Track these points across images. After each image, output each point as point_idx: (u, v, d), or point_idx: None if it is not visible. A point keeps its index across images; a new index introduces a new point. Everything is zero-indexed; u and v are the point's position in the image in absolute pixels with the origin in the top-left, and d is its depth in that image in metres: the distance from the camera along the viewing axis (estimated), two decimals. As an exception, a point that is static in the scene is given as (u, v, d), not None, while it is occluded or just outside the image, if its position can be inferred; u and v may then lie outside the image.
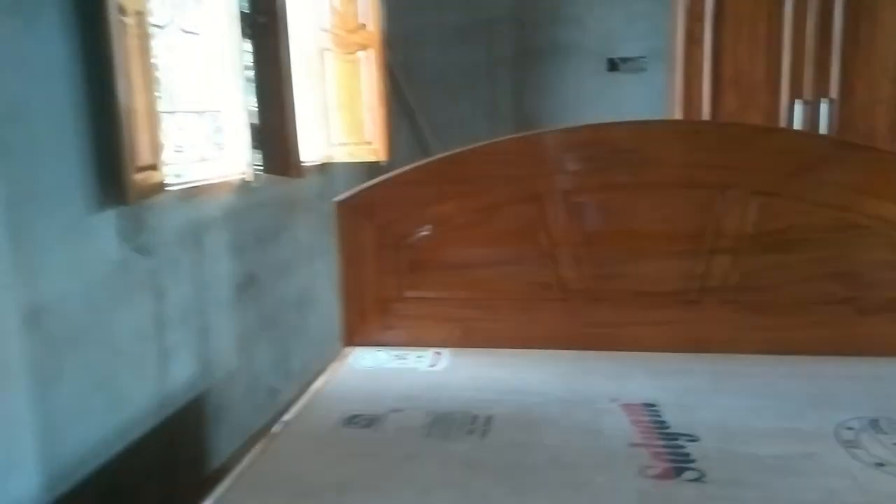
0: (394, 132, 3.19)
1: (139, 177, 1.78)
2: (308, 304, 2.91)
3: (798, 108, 2.86)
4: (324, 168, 3.08)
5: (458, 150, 1.92)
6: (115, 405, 1.75)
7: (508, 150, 1.92)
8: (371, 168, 3.04)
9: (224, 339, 2.28)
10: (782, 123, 2.89)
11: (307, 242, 2.91)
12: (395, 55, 3.37)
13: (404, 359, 1.90)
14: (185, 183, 2.13)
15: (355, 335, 2.02)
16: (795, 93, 2.87)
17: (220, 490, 1.27)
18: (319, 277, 2.97)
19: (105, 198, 1.70)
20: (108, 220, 1.73)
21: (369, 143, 3.05)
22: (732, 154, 1.80)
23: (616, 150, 1.84)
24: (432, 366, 1.85)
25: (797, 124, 2.86)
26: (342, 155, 3.08)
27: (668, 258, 1.86)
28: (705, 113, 2.95)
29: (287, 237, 2.76)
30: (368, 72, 3.04)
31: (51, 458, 1.51)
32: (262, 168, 2.54)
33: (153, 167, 1.86)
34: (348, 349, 1.98)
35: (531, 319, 1.94)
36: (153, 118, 1.87)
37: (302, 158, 2.75)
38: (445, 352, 1.92)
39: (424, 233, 1.96)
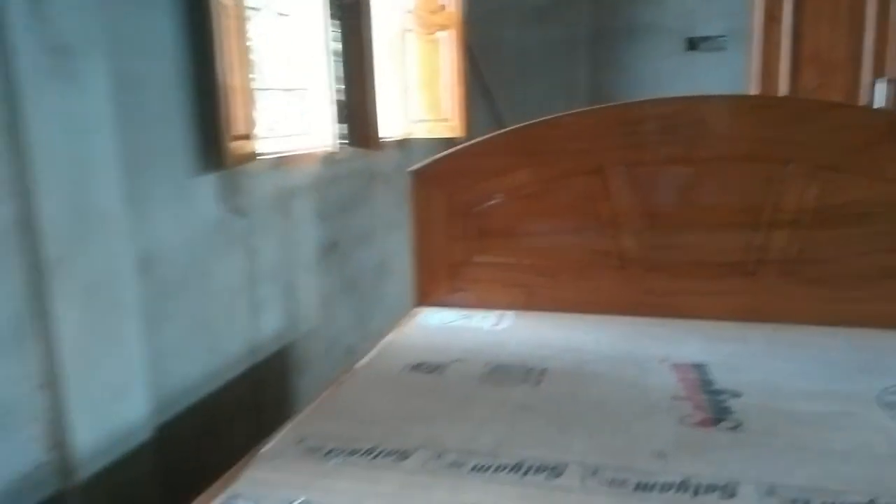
0: (471, 110, 3.31)
1: (235, 145, 1.98)
2: (385, 272, 3.09)
3: (879, 87, 2.81)
4: (403, 144, 3.23)
5: (526, 124, 2.03)
6: (212, 348, 1.96)
7: (574, 123, 2.01)
8: (448, 144, 3.17)
9: (308, 298, 2.48)
10: (863, 102, 2.84)
11: (386, 214, 3.08)
12: (474, 35, 3.48)
13: (469, 318, 2.04)
14: (276, 153, 2.33)
15: (425, 296, 2.17)
16: (878, 71, 2.82)
17: (297, 418, 1.45)
18: (396, 248, 3.13)
19: (205, 163, 1.90)
20: (207, 183, 1.93)
21: (447, 119, 3.18)
22: (796, 129, 1.83)
23: (679, 124, 1.91)
24: (495, 325, 1.98)
25: (878, 103, 2.81)
26: (421, 131, 3.23)
27: (727, 230, 1.92)
28: (782, 91, 2.93)
29: (367, 208, 2.94)
30: (448, 51, 3.17)
31: (157, 389, 1.73)
32: (346, 142, 2.72)
33: (247, 137, 2.06)
34: (418, 309, 2.14)
35: (591, 286, 2.04)
36: (247, 93, 2.06)
37: (382, 134, 2.93)
38: (509, 314, 2.05)
39: (494, 202, 2.08)
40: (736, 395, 1.46)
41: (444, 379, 1.62)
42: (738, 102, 1.87)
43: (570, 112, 2.02)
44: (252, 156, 2.09)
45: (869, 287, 1.84)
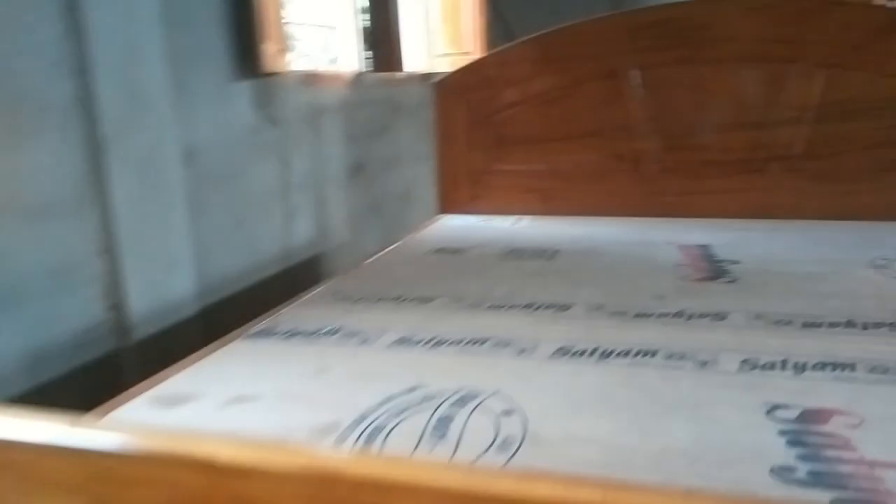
0: (491, 45, 3.40)
1: (270, 55, 2.11)
2: (410, 201, 3.21)
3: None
4: (427, 78, 3.34)
5: (543, 32, 2.13)
6: (250, 245, 2.10)
7: (589, 30, 2.11)
8: (471, 78, 3.26)
9: (337, 214, 2.62)
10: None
11: (410, 145, 3.19)
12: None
13: (489, 221, 2.16)
14: (307, 69, 2.46)
15: (447, 204, 2.30)
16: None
17: (328, 282, 1.59)
18: (420, 179, 3.25)
19: (242, 70, 2.03)
20: (244, 90, 2.06)
21: (468, 53, 3.28)
22: (799, 28, 1.91)
23: (688, 27, 1.99)
24: (513, 226, 2.10)
25: None
26: (444, 65, 3.33)
27: (735, 129, 2.01)
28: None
29: (392, 137, 3.06)
30: (470, -13, 3.26)
31: (201, 272, 1.88)
32: (371, 69, 2.85)
33: (281, 50, 2.18)
34: (439, 216, 2.26)
35: (606, 189, 2.14)
36: (279, 10, 2.19)
37: (406, 69, 3.05)
38: (526, 218, 2.16)
39: (512, 110, 2.19)
40: (735, 262, 1.57)
41: (465, 257, 1.75)
42: (745, 4, 1.94)
43: (583, 20, 2.11)
44: (286, 67, 2.22)
45: (872, 180, 1.92)
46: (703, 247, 1.72)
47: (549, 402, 0.92)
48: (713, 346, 1.08)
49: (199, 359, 1.10)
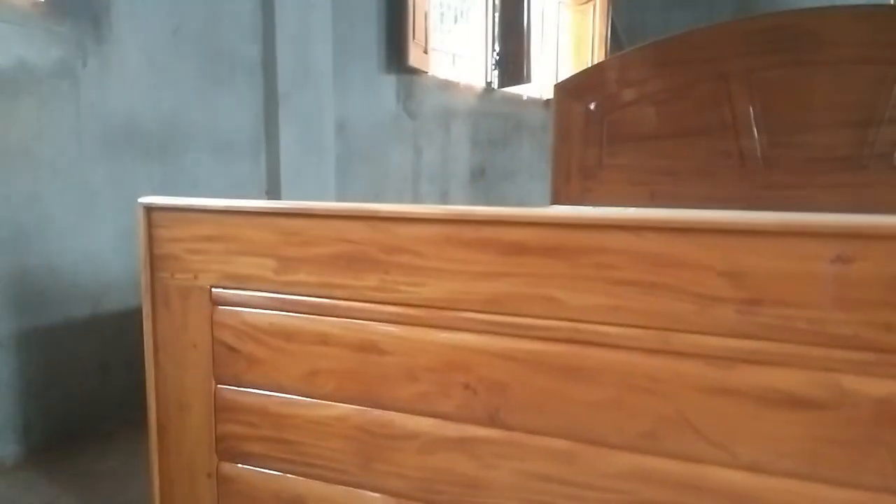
0: (613, 75, 3.62)
1: (414, 58, 2.44)
2: (527, 212, 3.44)
3: None
4: (549, 104, 3.60)
5: (657, 40, 2.34)
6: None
7: (701, 36, 2.29)
8: (590, 104, 3.49)
9: (458, 209, 2.88)
10: None
11: (528, 161, 3.44)
12: (620, 15, 3.82)
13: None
14: (444, 76, 2.78)
15: (560, 197, 2.50)
16: None
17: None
18: (536, 194, 3.48)
19: (390, 64, 2.37)
20: (390, 82, 2.39)
21: (590, 81, 3.52)
22: (906, 32, 2.02)
23: (796, 33, 2.14)
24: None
25: None
26: (566, 92, 3.58)
27: (840, 128, 2.11)
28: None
29: (513, 152, 3.32)
30: (594, 21, 3.52)
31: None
32: (500, 84, 3.14)
33: (424, 54, 2.51)
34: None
35: (712, 184, 2.28)
36: (426, 21, 2.53)
37: (532, 92, 3.33)
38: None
39: (626, 109, 2.39)
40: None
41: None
42: (850, 11, 2.07)
43: (696, 27, 2.30)
44: (426, 70, 2.54)
45: (979, 177, 1.96)
46: (801, 222, 1.83)
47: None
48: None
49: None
